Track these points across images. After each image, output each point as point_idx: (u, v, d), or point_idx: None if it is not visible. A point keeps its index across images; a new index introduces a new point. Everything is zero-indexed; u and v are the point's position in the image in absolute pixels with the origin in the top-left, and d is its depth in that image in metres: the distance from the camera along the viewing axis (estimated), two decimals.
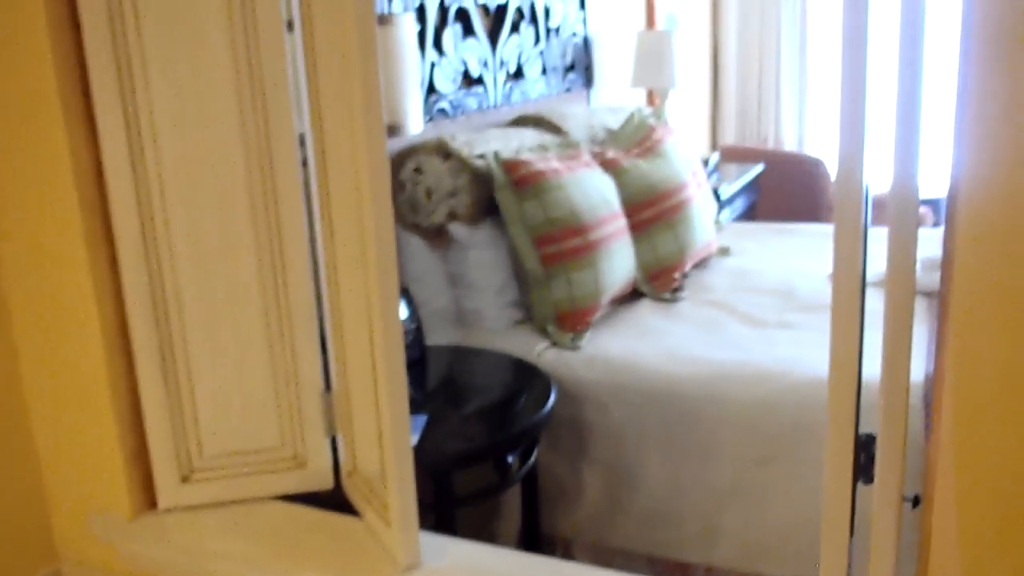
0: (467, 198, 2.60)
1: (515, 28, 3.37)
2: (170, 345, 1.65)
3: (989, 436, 1.14)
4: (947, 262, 1.14)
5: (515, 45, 3.38)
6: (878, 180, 1.26)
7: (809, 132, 5.85)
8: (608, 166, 2.91)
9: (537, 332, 2.60)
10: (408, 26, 2.14)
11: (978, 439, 1.14)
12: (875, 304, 1.22)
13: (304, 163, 1.63)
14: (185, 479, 1.72)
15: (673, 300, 2.87)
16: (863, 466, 1.32)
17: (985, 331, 1.10)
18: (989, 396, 1.12)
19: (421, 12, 2.81)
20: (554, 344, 2.54)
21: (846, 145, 1.12)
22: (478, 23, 3.13)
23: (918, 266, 1.18)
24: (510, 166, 2.59)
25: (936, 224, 4.53)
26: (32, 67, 1.51)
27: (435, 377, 2.37)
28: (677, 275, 2.94)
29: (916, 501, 1.32)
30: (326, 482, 1.77)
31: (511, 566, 1.58)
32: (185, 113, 1.55)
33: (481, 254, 2.64)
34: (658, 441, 2.37)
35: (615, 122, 3.49)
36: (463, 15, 3.05)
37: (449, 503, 1.99)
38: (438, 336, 2.61)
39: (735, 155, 5.29)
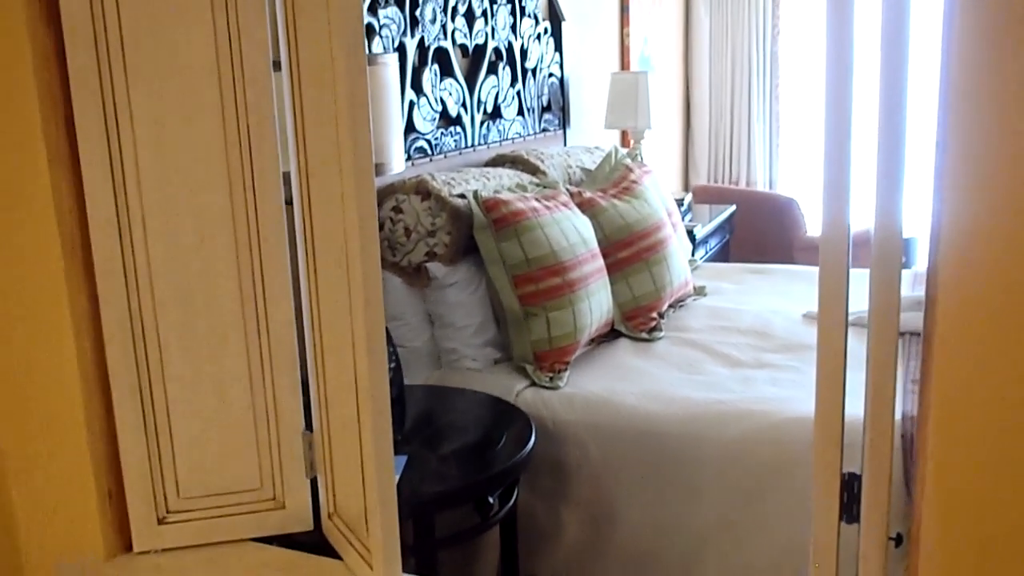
0: (446, 237, 2.61)
1: (492, 69, 3.41)
2: (148, 383, 1.63)
3: (973, 476, 1.15)
4: (930, 303, 1.16)
5: (492, 85, 3.41)
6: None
7: (780, 173, 5.94)
8: (586, 206, 2.93)
9: (516, 372, 2.60)
10: (392, 67, 2.16)
11: (963, 479, 1.15)
12: (852, 344, 1.23)
13: (288, 202, 1.63)
14: (161, 520, 1.69)
15: (651, 340, 2.88)
16: (845, 505, 1.33)
17: (968, 372, 1.12)
18: (973, 436, 1.13)
19: (401, 52, 2.83)
20: (533, 384, 2.54)
21: (831, 189, 1.14)
22: (456, 63, 3.16)
23: None
24: (490, 205, 2.60)
25: (906, 265, 4.60)
26: (16, 101, 1.50)
27: (414, 417, 2.35)
28: (654, 315, 2.95)
29: (899, 540, 1.33)
30: (305, 524, 1.74)
31: None
32: (169, 149, 1.55)
33: (459, 293, 2.65)
34: (637, 481, 2.37)
35: (591, 162, 3.53)
36: (442, 55, 3.08)
37: (430, 545, 1.97)
38: (416, 375, 2.60)
39: (708, 195, 5.36)
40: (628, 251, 2.93)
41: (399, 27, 2.82)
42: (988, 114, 1.06)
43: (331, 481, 1.68)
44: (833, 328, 1.18)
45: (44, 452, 1.67)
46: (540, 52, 3.78)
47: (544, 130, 3.87)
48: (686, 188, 5.90)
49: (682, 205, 4.24)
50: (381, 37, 2.73)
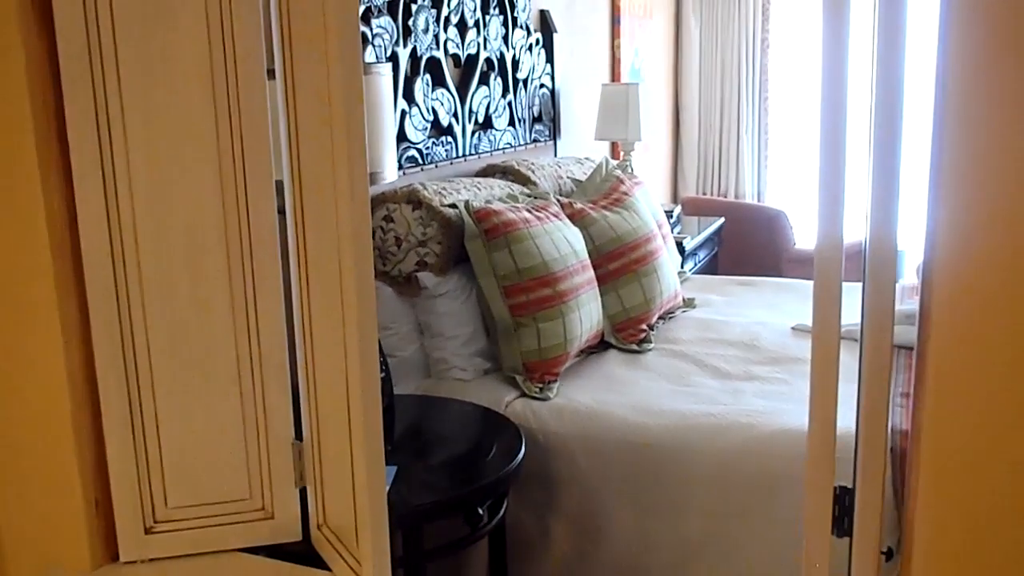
0: (437, 247, 2.60)
1: (484, 79, 3.41)
2: (137, 392, 1.62)
3: (965, 490, 1.15)
4: (924, 318, 1.16)
5: (484, 95, 3.41)
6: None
7: (768, 185, 5.97)
8: (576, 217, 2.94)
9: (505, 382, 2.59)
10: (386, 76, 2.16)
11: (955, 493, 1.15)
12: (842, 357, 1.24)
13: (281, 211, 1.62)
14: (149, 530, 1.67)
15: (640, 351, 2.88)
16: (836, 518, 1.33)
17: (961, 387, 1.12)
18: (965, 451, 1.13)
19: (393, 61, 2.83)
20: (523, 394, 2.53)
21: (826, 204, 1.14)
22: (448, 73, 3.17)
23: None
24: (481, 215, 2.60)
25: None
26: (8, 111, 1.49)
27: (403, 427, 2.34)
28: (644, 326, 2.96)
29: (889, 554, 1.33)
30: (294, 534, 1.73)
31: None
32: (161, 157, 1.54)
33: (450, 303, 2.64)
34: (626, 493, 2.36)
35: (582, 173, 3.53)
36: (434, 65, 3.08)
37: (419, 556, 1.96)
38: (406, 385, 2.59)
39: (696, 207, 5.37)
40: (618, 262, 2.94)
41: (392, 36, 2.82)
42: (981, 131, 1.07)
43: (321, 491, 1.67)
44: (827, 343, 1.18)
45: (31, 461, 1.66)
46: (532, 63, 3.78)
47: (535, 141, 3.88)
48: (675, 200, 5.92)
49: (671, 217, 4.25)
50: (374, 46, 2.73)
